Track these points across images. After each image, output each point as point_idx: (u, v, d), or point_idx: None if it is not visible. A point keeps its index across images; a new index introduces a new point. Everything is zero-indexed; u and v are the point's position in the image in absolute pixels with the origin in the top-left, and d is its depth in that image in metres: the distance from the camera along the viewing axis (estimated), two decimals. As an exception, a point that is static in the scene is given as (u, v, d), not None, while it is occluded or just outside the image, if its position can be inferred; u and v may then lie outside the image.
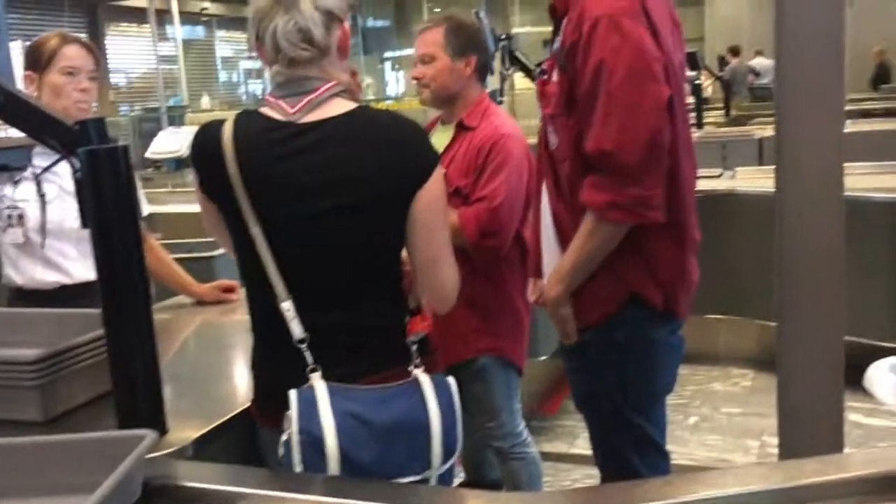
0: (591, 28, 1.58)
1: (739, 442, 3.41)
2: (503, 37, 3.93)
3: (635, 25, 1.59)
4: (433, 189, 1.45)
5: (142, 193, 2.50)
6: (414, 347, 1.48)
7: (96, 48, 2.32)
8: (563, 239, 1.75)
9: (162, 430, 1.39)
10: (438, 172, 1.47)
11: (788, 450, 2.56)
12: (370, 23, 19.64)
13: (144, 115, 11.20)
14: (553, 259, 1.80)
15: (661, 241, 1.70)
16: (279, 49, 1.43)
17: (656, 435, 1.86)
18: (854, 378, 3.62)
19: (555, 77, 1.71)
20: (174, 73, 12.20)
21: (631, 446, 1.83)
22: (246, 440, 1.56)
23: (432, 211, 1.46)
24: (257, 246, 1.43)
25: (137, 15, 12.52)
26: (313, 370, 1.41)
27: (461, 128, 2.28)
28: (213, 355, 2.02)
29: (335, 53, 1.48)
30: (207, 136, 1.46)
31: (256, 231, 1.42)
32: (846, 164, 4.33)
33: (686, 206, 1.74)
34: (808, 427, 2.61)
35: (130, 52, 16.14)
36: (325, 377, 1.41)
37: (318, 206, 1.41)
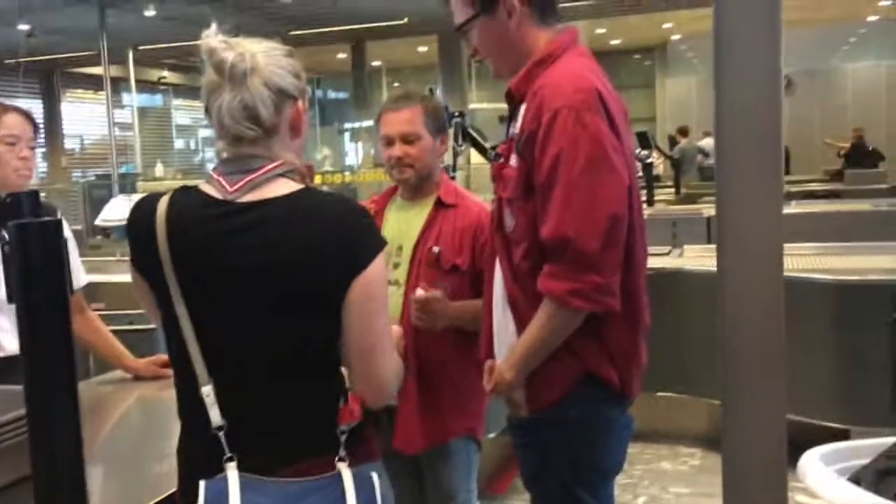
0: (551, 119, 1.62)
1: (688, 522, 3.38)
2: (456, 113, 3.99)
3: (594, 117, 1.63)
4: (373, 276, 1.40)
5: (79, 262, 2.45)
6: (343, 438, 1.42)
7: (33, 117, 2.30)
8: (519, 321, 1.75)
9: (83, 516, 1.32)
10: (380, 259, 1.42)
11: (735, 531, 2.55)
12: (330, 94, 19.89)
13: (96, 182, 11.10)
14: (507, 340, 1.80)
15: (615, 324, 1.72)
16: (223, 125, 1.41)
17: None
18: (798, 457, 3.64)
19: (513, 161, 1.72)
20: (130, 141, 12.17)
21: None
22: (174, 527, 1.49)
23: (371, 298, 1.41)
24: (182, 325, 1.39)
25: (94, 82, 12.51)
26: (229, 459, 1.36)
27: (441, 206, 2.28)
28: (146, 434, 1.96)
29: (285, 132, 1.45)
30: (142, 210, 1.44)
31: (182, 310, 1.38)
32: (788, 245, 4.42)
33: (639, 291, 1.77)
34: (754, 507, 2.61)
35: (86, 118, 16.08)
36: (243, 466, 1.35)
37: (248, 290, 1.37)
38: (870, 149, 11.83)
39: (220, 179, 1.42)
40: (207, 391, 1.38)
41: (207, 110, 1.44)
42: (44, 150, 15.11)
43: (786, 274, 3.46)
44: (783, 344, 2.48)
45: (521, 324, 1.74)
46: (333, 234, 1.38)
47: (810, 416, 3.58)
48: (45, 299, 1.31)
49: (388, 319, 1.47)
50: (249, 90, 1.39)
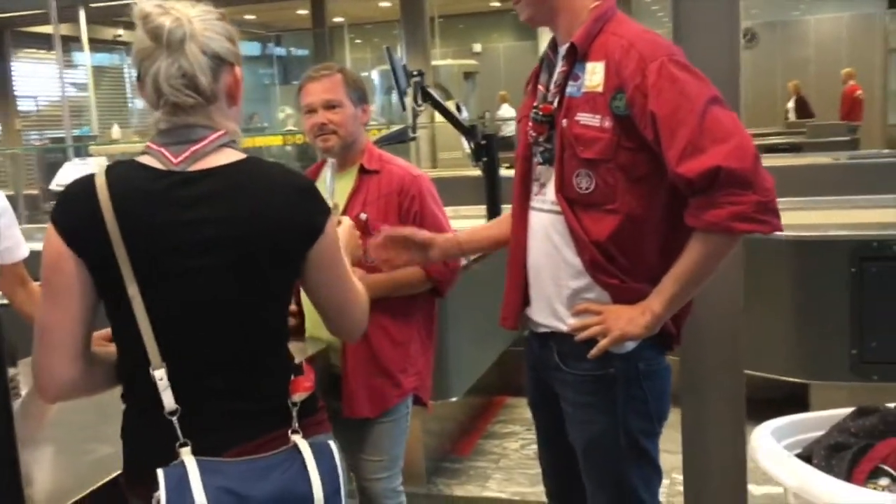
0: (660, 67, 1.64)
1: (650, 479, 3.40)
2: (415, 73, 3.91)
3: (691, 64, 1.69)
4: (330, 237, 1.43)
5: (18, 234, 2.35)
6: (294, 410, 1.41)
7: None
8: (615, 280, 1.73)
9: (19, 504, 1.27)
10: (331, 226, 1.44)
11: (693, 485, 2.57)
12: (292, 51, 19.54)
13: (50, 146, 10.80)
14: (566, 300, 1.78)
15: None
16: (161, 93, 1.35)
17: (657, 459, 1.86)
18: (760, 413, 3.65)
19: (597, 121, 1.69)
20: (85, 102, 11.85)
21: (642, 477, 1.83)
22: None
23: (332, 258, 1.45)
24: (133, 307, 1.33)
25: (47, 40, 12.11)
26: (183, 445, 1.32)
27: (364, 172, 2.31)
28: (92, 414, 1.88)
29: (223, 100, 1.41)
30: (77, 193, 1.36)
31: (133, 290, 1.32)
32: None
33: None
34: (712, 461, 2.63)
35: (40, 78, 15.61)
36: (197, 449, 1.32)
37: (202, 262, 1.33)
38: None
39: (162, 150, 1.37)
40: (161, 374, 1.33)
41: (139, 77, 1.38)
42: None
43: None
44: (740, 298, 2.49)
45: (619, 283, 1.73)
46: (288, 201, 1.37)
47: (771, 371, 3.63)
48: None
49: (348, 270, 1.53)
50: (187, 57, 1.34)
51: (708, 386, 2.51)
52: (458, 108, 11.56)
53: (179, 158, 1.35)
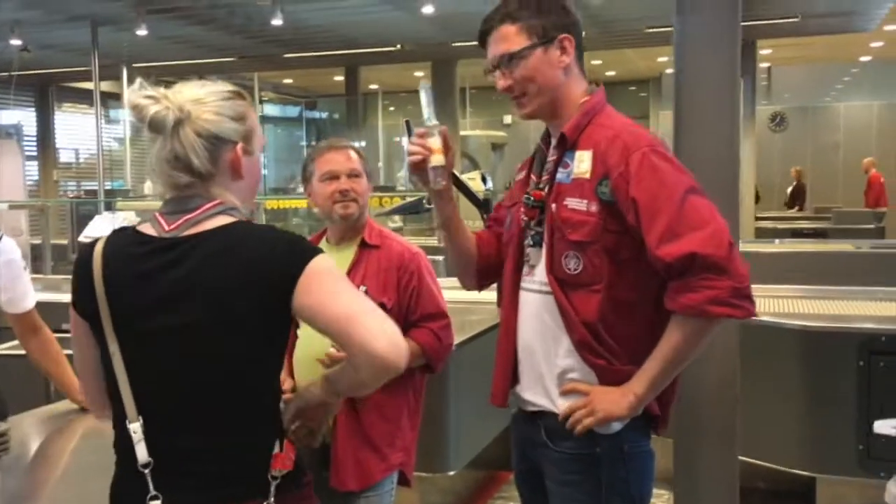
0: (642, 157, 1.72)
1: (651, 567, 3.31)
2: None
3: (673, 156, 1.78)
4: (316, 268, 1.37)
5: (28, 284, 2.41)
6: (274, 483, 1.41)
7: None
8: (603, 359, 1.77)
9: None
10: (320, 258, 1.39)
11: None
12: (327, 115, 19.97)
13: (84, 199, 11.09)
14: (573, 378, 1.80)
15: None
16: (157, 174, 1.44)
17: None
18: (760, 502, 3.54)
19: (584, 205, 1.77)
20: (123, 156, 12.18)
21: None
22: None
23: (321, 283, 1.37)
24: (114, 363, 1.40)
25: (89, 96, 12.54)
26: (154, 498, 1.36)
27: (365, 246, 2.36)
28: (82, 471, 1.90)
29: (226, 175, 1.46)
30: (82, 254, 1.47)
31: (114, 346, 1.40)
32: (771, 287, 4.35)
33: None
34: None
35: (83, 131, 16.07)
36: None
37: (179, 322, 1.37)
38: None
39: (160, 219, 1.44)
40: (135, 428, 1.38)
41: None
42: (37, 162, 15.13)
43: (758, 318, 3.45)
44: (736, 385, 2.48)
45: (605, 364, 1.76)
46: (266, 255, 1.38)
47: (778, 462, 3.56)
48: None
49: (354, 295, 1.42)
50: (180, 140, 1.42)
51: (701, 471, 2.49)
52: (484, 179, 11.64)
53: (172, 226, 1.42)
